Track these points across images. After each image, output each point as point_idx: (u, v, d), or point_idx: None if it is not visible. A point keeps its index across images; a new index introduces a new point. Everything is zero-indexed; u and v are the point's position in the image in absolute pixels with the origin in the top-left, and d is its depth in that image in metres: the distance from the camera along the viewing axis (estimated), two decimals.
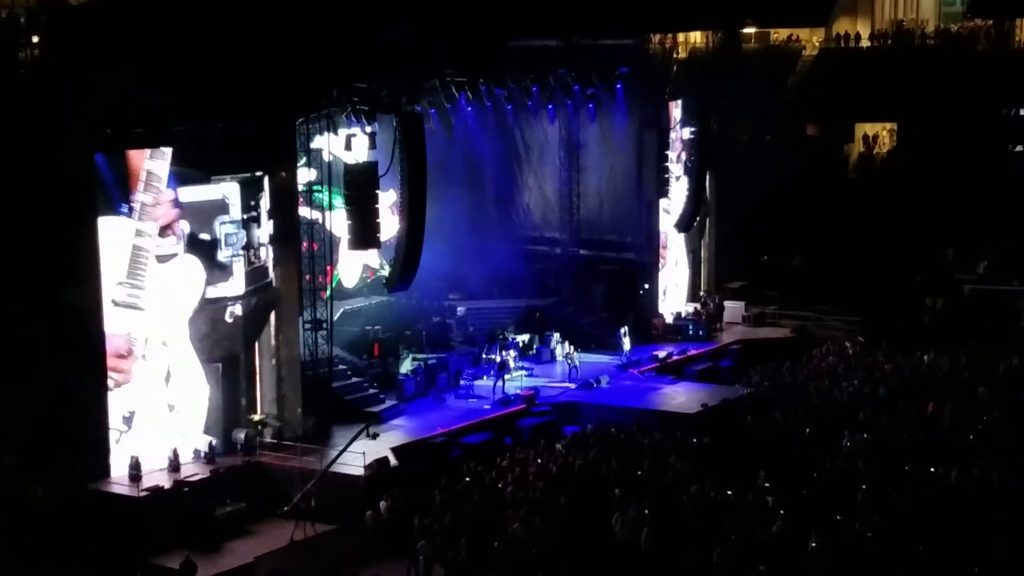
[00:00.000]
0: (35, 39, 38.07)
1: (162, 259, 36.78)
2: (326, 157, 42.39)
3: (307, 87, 39.91)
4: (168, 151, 36.38)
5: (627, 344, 48.84)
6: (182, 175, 37.28)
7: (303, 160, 40.96)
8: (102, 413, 35.67)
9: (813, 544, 27.30)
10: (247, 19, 38.62)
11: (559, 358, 48.10)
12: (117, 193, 35.91)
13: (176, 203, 36.89)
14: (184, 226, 37.19)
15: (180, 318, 37.48)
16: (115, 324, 36.06)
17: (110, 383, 35.99)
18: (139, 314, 36.51)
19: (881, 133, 69.84)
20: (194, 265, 37.54)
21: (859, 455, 34.03)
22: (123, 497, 34.70)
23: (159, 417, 37.12)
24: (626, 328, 49.47)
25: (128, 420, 36.41)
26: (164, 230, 36.73)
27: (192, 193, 37.73)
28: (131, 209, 36.09)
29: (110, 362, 35.96)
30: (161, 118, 35.96)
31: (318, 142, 41.81)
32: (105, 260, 35.67)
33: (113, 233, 35.88)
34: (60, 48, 37.66)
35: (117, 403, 36.20)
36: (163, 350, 37.16)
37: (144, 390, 36.79)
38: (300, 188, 40.82)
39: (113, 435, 36.09)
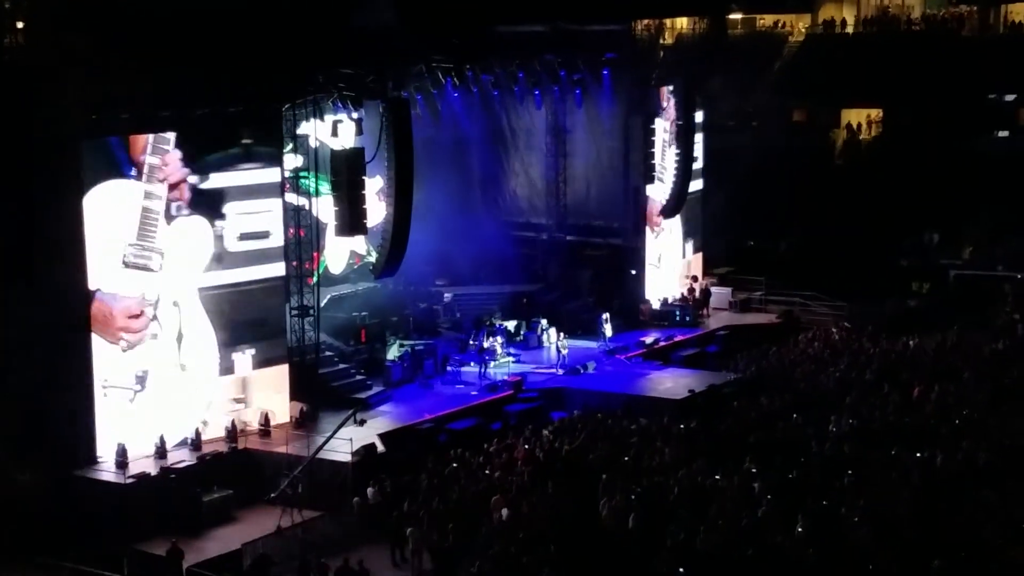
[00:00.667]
0: (19, 25, 37.97)
1: (170, 219, 37.23)
2: (312, 143, 42.26)
3: (293, 73, 39.86)
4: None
5: (608, 330, 48.82)
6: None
7: (289, 146, 40.86)
8: (89, 399, 35.62)
9: (799, 528, 27.38)
10: (233, 4, 38.54)
11: (546, 344, 48.13)
12: (123, 156, 36.23)
13: (184, 163, 37.24)
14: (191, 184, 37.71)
15: (191, 278, 37.85)
16: (127, 285, 36.52)
17: (122, 344, 36.45)
18: (150, 275, 36.95)
19: (864, 122, 69.93)
20: (202, 225, 37.91)
21: (845, 439, 34.13)
22: (109, 484, 34.70)
23: (172, 377, 37.53)
24: (607, 315, 49.52)
25: (141, 379, 36.84)
26: (172, 189, 37.09)
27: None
28: (139, 171, 36.39)
29: (121, 322, 36.44)
30: (146, 103, 35.90)
31: (304, 128, 41.70)
32: (115, 222, 36.14)
33: (121, 195, 36.24)
34: (44, 34, 37.53)
35: (130, 363, 36.65)
36: (174, 311, 37.56)
37: (157, 350, 37.22)
38: (286, 174, 40.73)
39: (127, 394, 36.56)
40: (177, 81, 36.15)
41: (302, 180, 41.64)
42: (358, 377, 42.68)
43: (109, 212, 35.99)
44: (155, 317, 37.10)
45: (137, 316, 36.76)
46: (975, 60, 66.98)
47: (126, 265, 36.43)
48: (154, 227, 36.81)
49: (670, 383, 43.62)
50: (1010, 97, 67.58)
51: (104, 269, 36.09)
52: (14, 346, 34.65)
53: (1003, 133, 66.74)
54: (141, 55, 35.64)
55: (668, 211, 54.47)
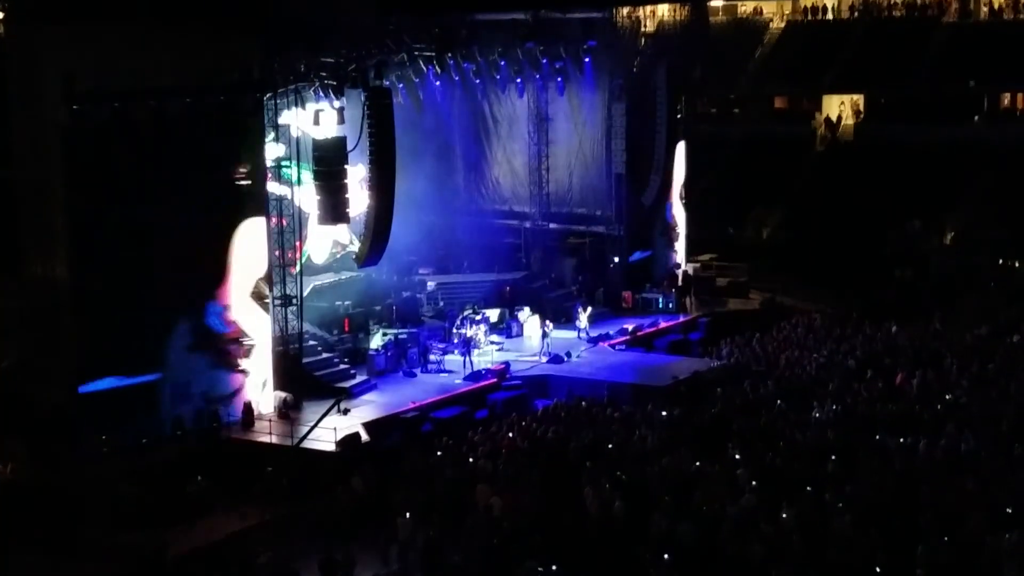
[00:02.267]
0: None
1: None
2: (294, 132, 42.21)
3: (274, 62, 39.80)
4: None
5: (584, 320, 48.75)
6: None
7: (271, 135, 40.78)
8: (72, 390, 35.52)
9: (783, 515, 27.42)
10: None
11: (527, 333, 48.06)
12: None
13: None
14: None
15: None
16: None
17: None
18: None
19: (844, 111, 70.00)
20: None
21: (829, 426, 34.17)
22: (93, 474, 34.60)
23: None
24: (582, 304, 49.65)
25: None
26: None
27: None
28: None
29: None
30: (126, 95, 35.81)
31: (286, 117, 41.61)
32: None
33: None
34: (23, 25, 37.46)
35: None
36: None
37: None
38: (268, 164, 40.64)
39: None
40: (157, 71, 36.04)
41: (284, 169, 41.57)
42: (341, 366, 42.67)
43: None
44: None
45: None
46: (956, 46, 67.14)
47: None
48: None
49: (654, 370, 43.63)
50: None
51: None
52: None
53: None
54: (119, 46, 35.56)
55: (651, 198, 54.42)
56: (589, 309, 49.27)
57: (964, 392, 36.92)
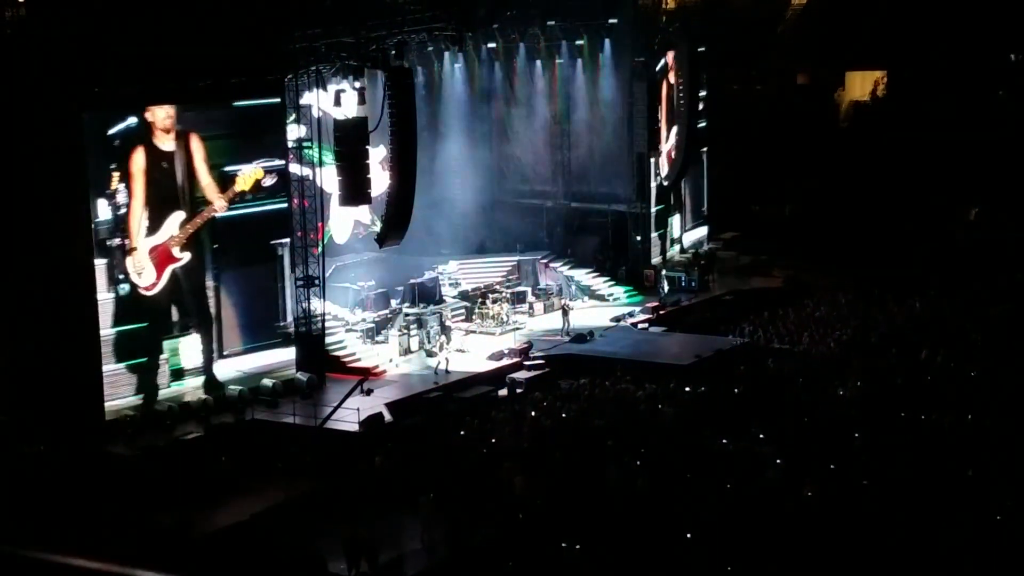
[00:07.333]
0: None
1: None
2: (315, 113, 42.16)
3: (295, 43, 39.79)
4: None
5: (666, 285, 49.48)
6: None
7: (292, 116, 40.76)
8: (96, 371, 35.63)
9: (808, 492, 27.38)
10: None
11: (554, 311, 48.10)
12: None
13: None
14: None
15: None
16: None
17: None
18: None
19: (866, 87, 69.71)
20: None
21: (853, 403, 34.10)
22: (118, 455, 34.71)
23: None
24: (665, 272, 50.22)
25: None
26: None
27: None
28: None
29: None
30: (150, 76, 35.83)
31: (307, 98, 41.59)
32: None
33: None
34: (46, 7, 37.42)
35: None
36: None
37: None
38: (290, 145, 40.65)
39: None
40: (179, 52, 36.04)
41: (306, 150, 41.55)
42: (364, 347, 42.67)
43: None
44: None
45: None
46: (980, 20, 66.68)
47: None
48: None
49: (676, 348, 43.58)
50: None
51: None
52: (19, 318, 34.64)
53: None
54: (142, 26, 35.55)
55: (671, 178, 54.34)
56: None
57: (989, 368, 36.77)
